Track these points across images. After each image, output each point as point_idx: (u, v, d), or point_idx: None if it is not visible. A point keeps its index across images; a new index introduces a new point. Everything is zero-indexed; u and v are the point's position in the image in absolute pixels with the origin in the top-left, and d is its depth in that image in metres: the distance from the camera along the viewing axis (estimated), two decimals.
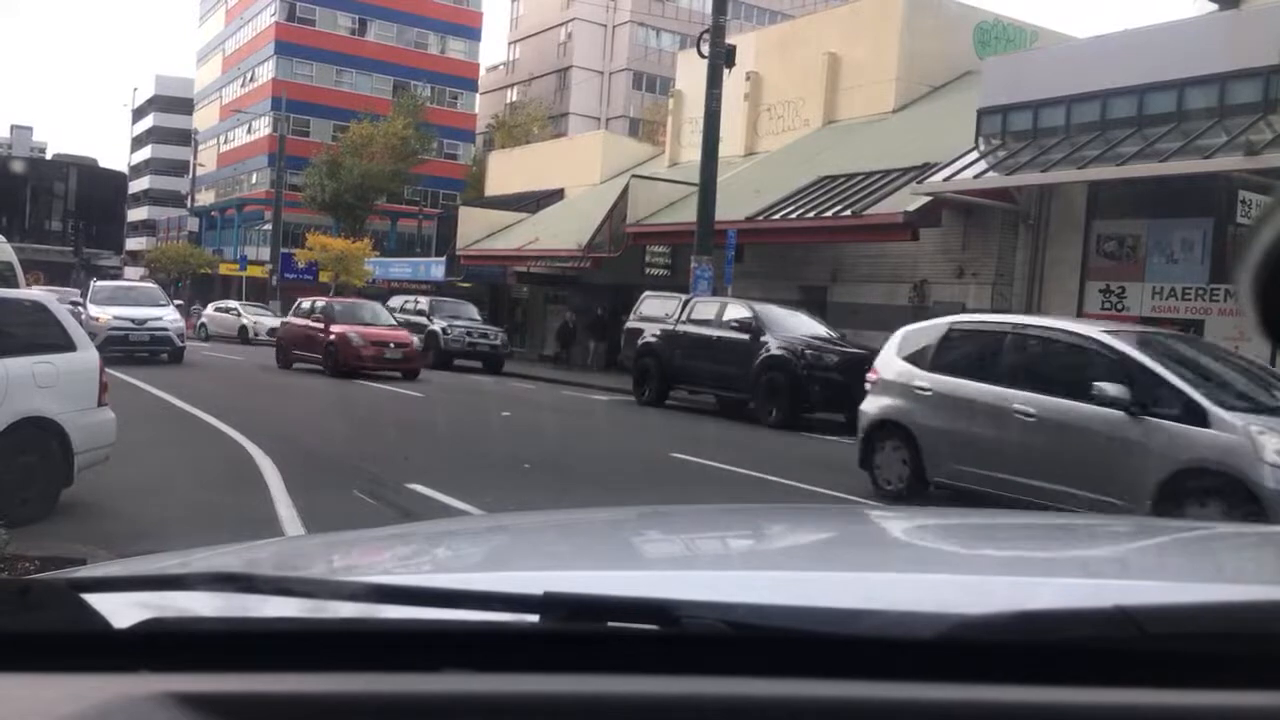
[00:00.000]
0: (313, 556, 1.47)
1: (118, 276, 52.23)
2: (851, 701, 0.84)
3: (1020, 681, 0.85)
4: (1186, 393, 6.67)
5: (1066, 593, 1.14)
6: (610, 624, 0.89)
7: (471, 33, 64.13)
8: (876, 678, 0.85)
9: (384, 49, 60.93)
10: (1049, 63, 17.89)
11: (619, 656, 0.87)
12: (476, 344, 23.21)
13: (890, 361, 8.77)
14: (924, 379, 8.29)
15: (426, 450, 10.22)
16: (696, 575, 1.35)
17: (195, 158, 62.19)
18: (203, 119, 70.75)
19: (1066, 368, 7.57)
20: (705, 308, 16.18)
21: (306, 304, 21.41)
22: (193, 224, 65.15)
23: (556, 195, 34.47)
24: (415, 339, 19.99)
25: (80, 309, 18.64)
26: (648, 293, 17.77)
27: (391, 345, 18.94)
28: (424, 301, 24.89)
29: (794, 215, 19.72)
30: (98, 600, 0.91)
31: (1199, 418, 6.50)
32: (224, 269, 52.37)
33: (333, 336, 18.92)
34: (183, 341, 20.19)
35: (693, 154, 22.69)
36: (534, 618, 0.89)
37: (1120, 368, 7.04)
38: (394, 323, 20.76)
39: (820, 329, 15.60)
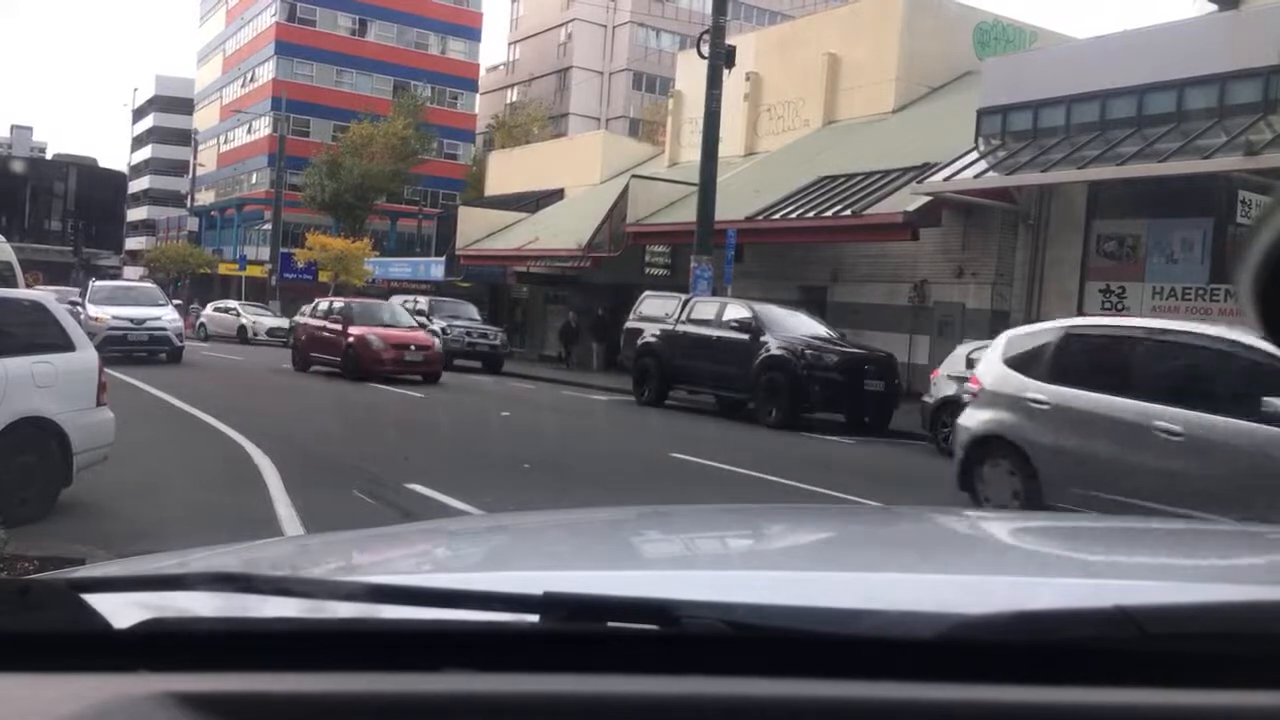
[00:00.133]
0: (312, 556, 1.47)
1: (117, 276, 52.23)
2: (852, 701, 0.84)
3: (1020, 682, 0.85)
4: None
5: (1066, 593, 1.14)
6: (610, 624, 0.89)
7: (471, 33, 64.19)
8: (877, 678, 0.85)
9: (384, 49, 60.98)
10: (1049, 63, 17.89)
11: (619, 656, 0.87)
12: (476, 344, 23.13)
13: (994, 369, 7.80)
14: (1039, 390, 7.32)
15: (426, 450, 10.20)
16: (696, 575, 1.35)
17: (195, 158, 62.24)
18: (203, 119, 70.80)
19: (1223, 380, 6.77)
20: (705, 308, 16.16)
21: (324, 304, 20.55)
22: (192, 224, 65.15)
23: (556, 195, 34.47)
24: (436, 341, 19.35)
25: (79, 309, 18.63)
26: (647, 292, 17.75)
27: (412, 348, 18.18)
28: (423, 301, 24.71)
29: (794, 215, 19.72)
30: (97, 600, 0.91)
31: None
32: (223, 269, 52.36)
33: (351, 339, 18.22)
34: (181, 341, 20.14)
35: (693, 154, 22.68)
36: (534, 618, 0.89)
37: None
38: (413, 324, 19.91)
39: (820, 329, 15.60)
